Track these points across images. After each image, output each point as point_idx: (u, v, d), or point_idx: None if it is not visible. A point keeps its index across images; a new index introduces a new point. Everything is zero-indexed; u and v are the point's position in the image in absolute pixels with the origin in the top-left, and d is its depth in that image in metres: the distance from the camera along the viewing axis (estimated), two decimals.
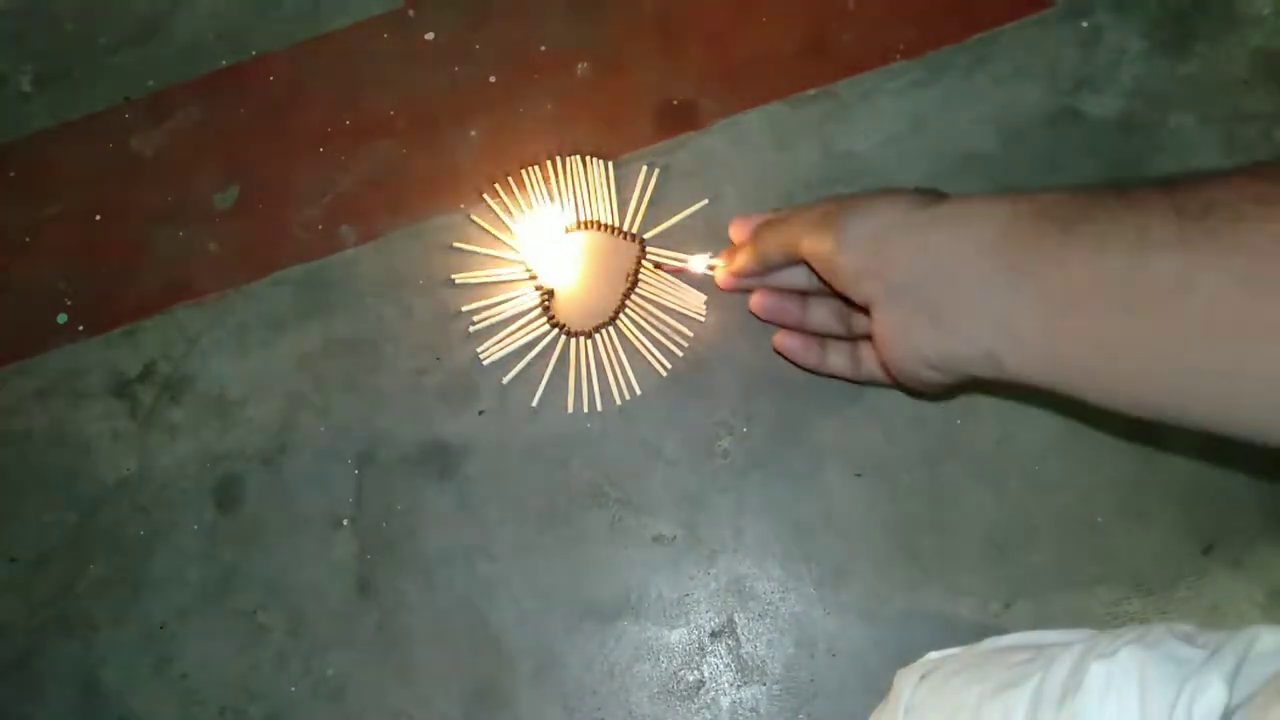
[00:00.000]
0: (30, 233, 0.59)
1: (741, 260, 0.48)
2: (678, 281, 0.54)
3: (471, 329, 0.54)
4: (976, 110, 0.55)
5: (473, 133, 0.57)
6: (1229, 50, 0.54)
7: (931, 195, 0.39)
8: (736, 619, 0.51)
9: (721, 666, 0.51)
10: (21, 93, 0.60)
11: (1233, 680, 0.29)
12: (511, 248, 0.55)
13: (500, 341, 0.54)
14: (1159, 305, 0.30)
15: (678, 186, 0.55)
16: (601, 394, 0.53)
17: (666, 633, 0.52)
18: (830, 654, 0.51)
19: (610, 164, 0.55)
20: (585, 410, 0.53)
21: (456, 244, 0.55)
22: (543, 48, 0.57)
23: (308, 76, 0.59)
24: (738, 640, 0.51)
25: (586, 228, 0.55)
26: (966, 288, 0.36)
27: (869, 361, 0.48)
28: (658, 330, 0.54)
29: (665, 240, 0.54)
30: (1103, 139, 0.54)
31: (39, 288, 0.58)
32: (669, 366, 0.53)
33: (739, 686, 0.51)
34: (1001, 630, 0.40)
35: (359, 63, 0.58)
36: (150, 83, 0.59)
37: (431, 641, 0.52)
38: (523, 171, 0.55)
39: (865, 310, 0.41)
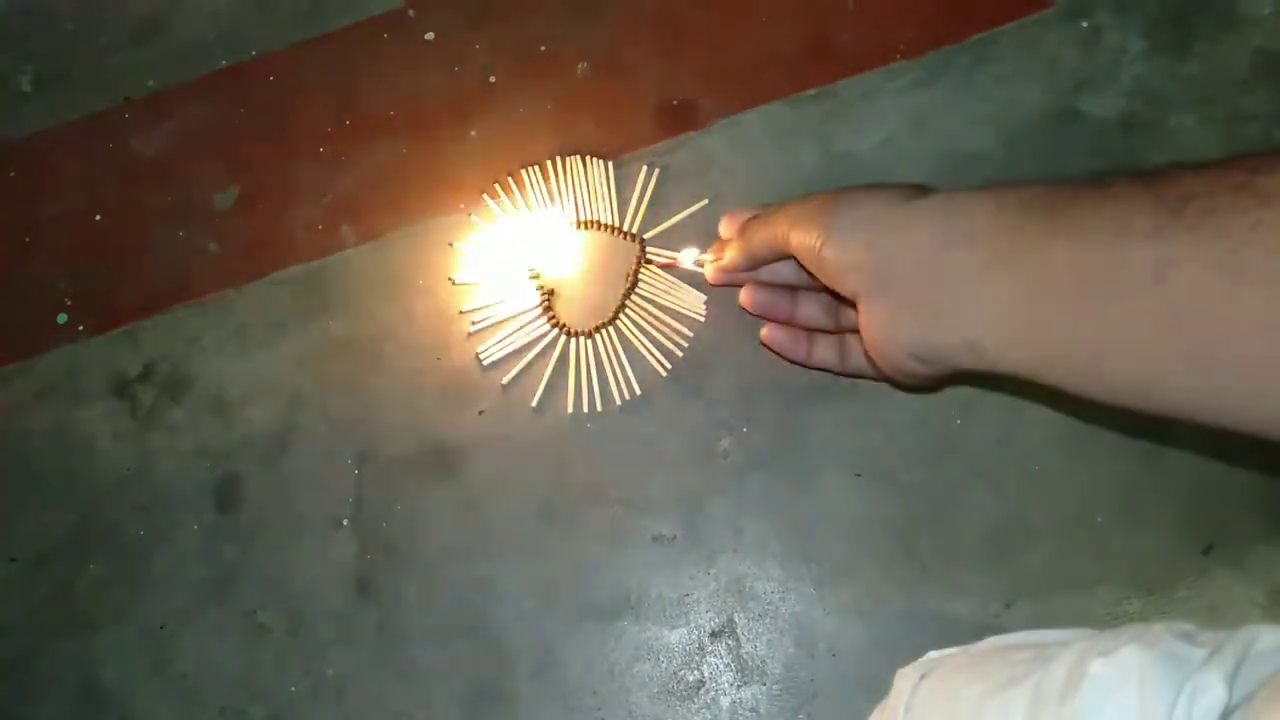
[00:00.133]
0: (30, 233, 0.59)
1: (730, 255, 0.48)
2: (678, 281, 0.54)
3: (471, 329, 0.54)
4: (976, 110, 0.55)
5: (473, 133, 0.57)
6: (1229, 50, 0.54)
7: (916, 189, 0.40)
8: (736, 619, 0.51)
9: (721, 666, 0.51)
10: (21, 93, 0.60)
11: (1233, 679, 0.29)
12: (511, 248, 0.55)
13: (500, 341, 0.54)
14: (1138, 294, 0.31)
15: (678, 186, 0.55)
16: (601, 394, 0.53)
17: (666, 633, 0.52)
18: (830, 654, 0.51)
19: (610, 164, 0.55)
20: (585, 410, 0.53)
21: (456, 244, 0.55)
22: (543, 48, 0.57)
23: (308, 76, 0.59)
24: (738, 640, 0.51)
25: (586, 228, 0.55)
26: (949, 279, 0.36)
27: (856, 354, 0.48)
28: (658, 330, 0.54)
29: (665, 240, 0.54)
30: (1103, 139, 0.54)
31: (39, 288, 0.58)
32: (669, 366, 0.53)
33: (739, 686, 0.51)
34: (1001, 630, 0.40)
35: (359, 63, 0.58)
36: (150, 83, 0.59)
37: (431, 641, 0.52)
38: (523, 171, 0.55)
39: (852, 303, 0.41)
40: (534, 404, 0.53)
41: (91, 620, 0.54)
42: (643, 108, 0.56)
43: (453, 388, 0.54)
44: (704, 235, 0.54)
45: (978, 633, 0.41)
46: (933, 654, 0.41)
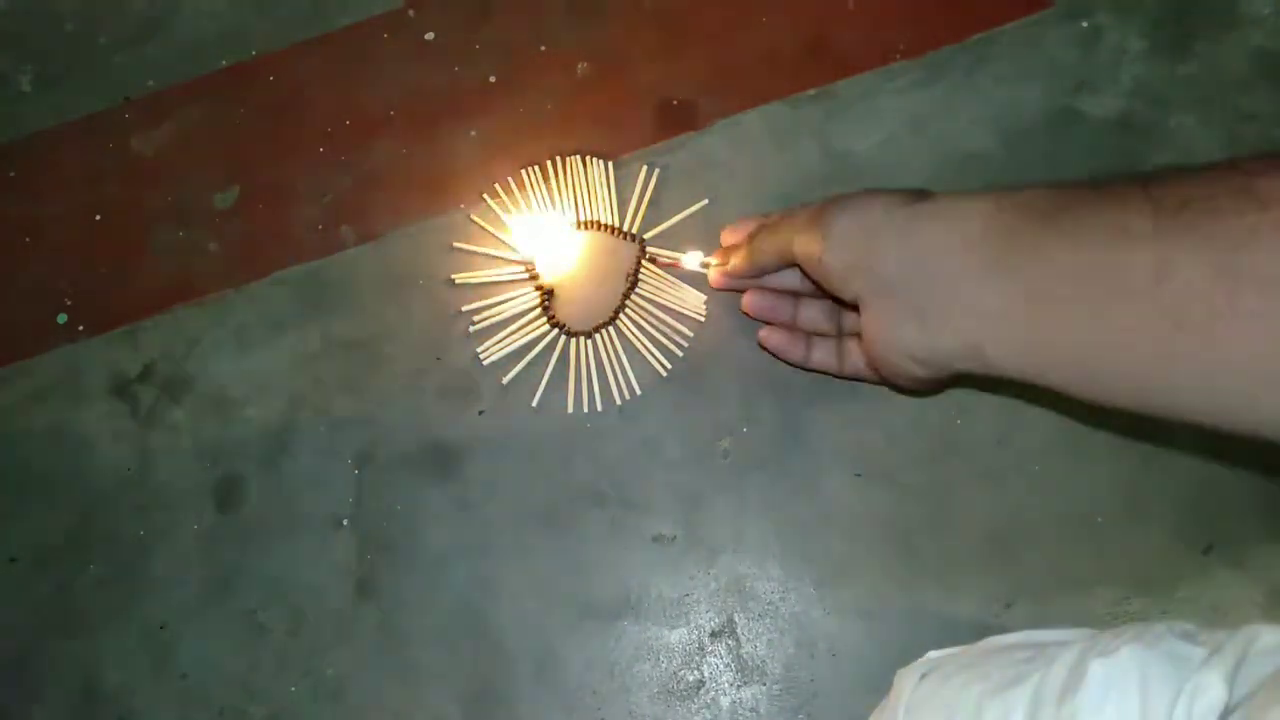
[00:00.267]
0: (30, 233, 0.59)
1: (736, 262, 0.48)
2: (678, 281, 0.54)
3: (471, 329, 0.54)
4: (976, 110, 0.55)
5: (473, 133, 0.57)
6: (1229, 50, 0.54)
7: (916, 193, 0.40)
8: (736, 619, 0.51)
9: (721, 666, 0.51)
10: (21, 93, 0.60)
11: (1233, 678, 0.29)
12: (511, 248, 0.55)
13: (500, 341, 0.54)
14: (1136, 296, 0.31)
15: (678, 186, 0.55)
16: (601, 394, 0.53)
17: (666, 633, 0.52)
18: (830, 654, 0.51)
19: (610, 164, 0.55)
20: (585, 410, 0.53)
21: (456, 244, 0.55)
22: (543, 48, 0.57)
23: (308, 76, 0.59)
24: (738, 640, 0.51)
25: (586, 228, 0.55)
26: (950, 282, 0.36)
27: (854, 357, 0.48)
28: (658, 330, 0.54)
29: (665, 241, 0.54)
30: (1103, 139, 0.54)
31: (39, 288, 0.58)
32: (669, 366, 0.53)
33: (739, 686, 0.51)
34: (1001, 630, 0.40)
35: (359, 63, 0.58)
36: (150, 83, 0.59)
37: (431, 641, 0.52)
38: (523, 171, 0.55)
39: (854, 308, 0.41)
40: (534, 404, 0.53)
41: (91, 620, 0.54)
42: (643, 108, 0.56)
43: (453, 388, 0.54)
44: (703, 235, 0.54)
45: (978, 633, 0.41)
46: (933, 654, 0.41)
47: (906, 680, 0.39)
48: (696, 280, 0.53)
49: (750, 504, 0.52)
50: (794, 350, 0.50)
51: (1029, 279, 0.34)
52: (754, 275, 0.49)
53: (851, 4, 0.56)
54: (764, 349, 0.51)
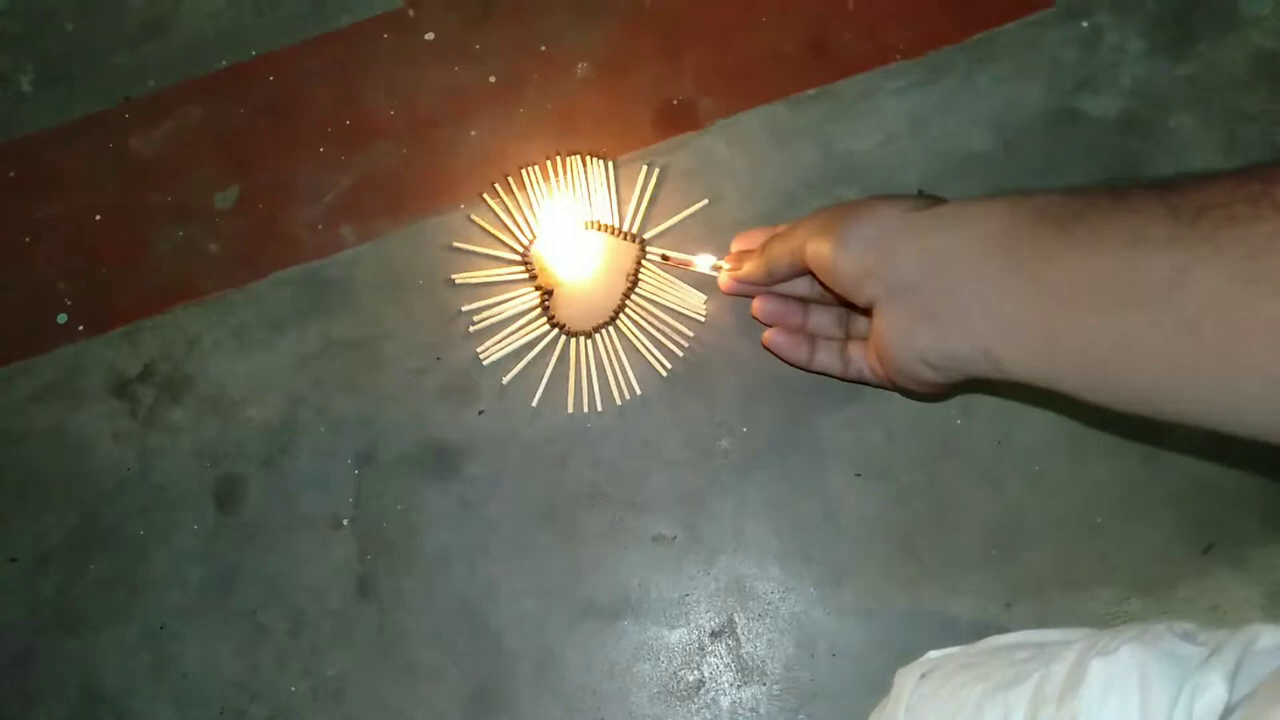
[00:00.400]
0: (30, 233, 0.59)
1: (749, 268, 0.48)
2: (678, 281, 0.54)
3: (471, 329, 0.54)
4: (976, 110, 0.55)
5: (473, 133, 0.57)
6: (1229, 50, 0.54)
7: (930, 199, 0.40)
8: (736, 619, 0.51)
9: (721, 666, 0.51)
10: (21, 93, 0.60)
11: (1233, 678, 0.29)
12: (511, 248, 0.55)
13: (500, 341, 0.54)
14: (1154, 302, 0.31)
15: (678, 186, 0.55)
16: (601, 394, 0.53)
17: (666, 633, 0.52)
18: (830, 654, 0.51)
19: (610, 164, 0.55)
20: (585, 410, 0.53)
21: (456, 244, 0.55)
22: (543, 48, 0.57)
23: (308, 76, 0.59)
24: (738, 640, 0.51)
25: (587, 228, 0.55)
26: (965, 287, 0.36)
27: (858, 360, 0.48)
28: (658, 330, 0.54)
29: (665, 241, 0.54)
30: (1103, 139, 0.54)
31: (39, 288, 0.58)
32: (669, 366, 0.53)
33: (739, 686, 0.51)
34: (1001, 630, 0.40)
35: (359, 63, 0.58)
36: (150, 83, 0.59)
37: (431, 641, 0.52)
38: (523, 171, 0.55)
39: (866, 312, 0.41)
40: (534, 404, 0.53)
41: (91, 620, 0.54)
42: (643, 108, 0.56)
43: (453, 388, 0.54)
44: (703, 235, 0.54)
45: (978, 632, 0.41)
46: (933, 654, 0.41)
47: (906, 680, 0.39)
48: (696, 280, 0.53)
49: (750, 504, 0.52)
50: (798, 352, 0.50)
51: (1043, 285, 0.34)
52: (767, 282, 0.49)
53: (851, 4, 0.56)
54: (768, 350, 0.51)
